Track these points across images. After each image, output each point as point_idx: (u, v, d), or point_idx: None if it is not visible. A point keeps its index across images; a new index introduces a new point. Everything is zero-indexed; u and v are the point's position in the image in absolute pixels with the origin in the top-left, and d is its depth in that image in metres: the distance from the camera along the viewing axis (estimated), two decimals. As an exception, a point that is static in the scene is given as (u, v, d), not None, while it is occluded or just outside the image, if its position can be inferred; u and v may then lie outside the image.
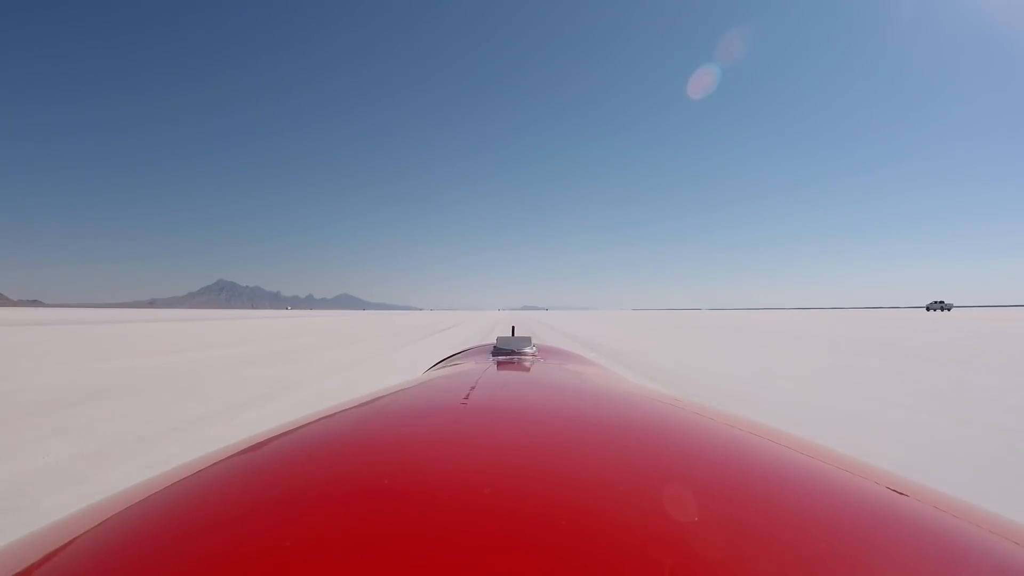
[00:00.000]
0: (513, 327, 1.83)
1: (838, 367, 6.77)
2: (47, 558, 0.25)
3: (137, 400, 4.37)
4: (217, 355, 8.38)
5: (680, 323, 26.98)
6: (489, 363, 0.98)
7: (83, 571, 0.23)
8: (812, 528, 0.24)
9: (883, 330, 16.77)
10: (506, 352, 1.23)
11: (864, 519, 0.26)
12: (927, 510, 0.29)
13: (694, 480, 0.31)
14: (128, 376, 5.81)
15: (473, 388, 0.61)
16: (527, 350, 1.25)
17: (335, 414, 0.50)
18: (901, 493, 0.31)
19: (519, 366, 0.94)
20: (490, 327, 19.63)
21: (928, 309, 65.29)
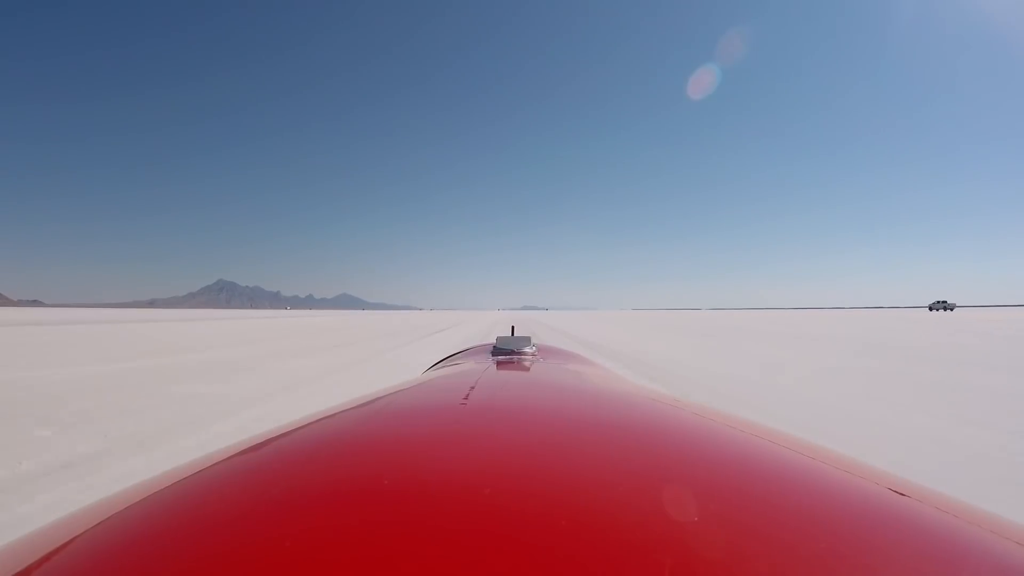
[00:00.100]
0: (513, 327, 1.83)
1: (913, 380, 5.52)
2: (47, 558, 0.25)
3: None
4: (151, 365, 6.96)
5: (688, 324, 26.60)
6: (489, 363, 0.98)
7: (83, 571, 0.23)
8: (812, 529, 0.24)
9: (907, 331, 15.82)
10: (506, 352, 1.22)
11: (864, 520, 0.26)
12: (927, 511, 0.28)
13: (694, 481, 0.31)
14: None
15: (473, 388, 0.61)
16: (527, 350, 1.24)
17: (335, 414, 0.50)
18: (901, 494, 0.31)
19: (519, 366, 0.94)
20: (489, 327, 19.36)
21: (931, 309, 64.86)
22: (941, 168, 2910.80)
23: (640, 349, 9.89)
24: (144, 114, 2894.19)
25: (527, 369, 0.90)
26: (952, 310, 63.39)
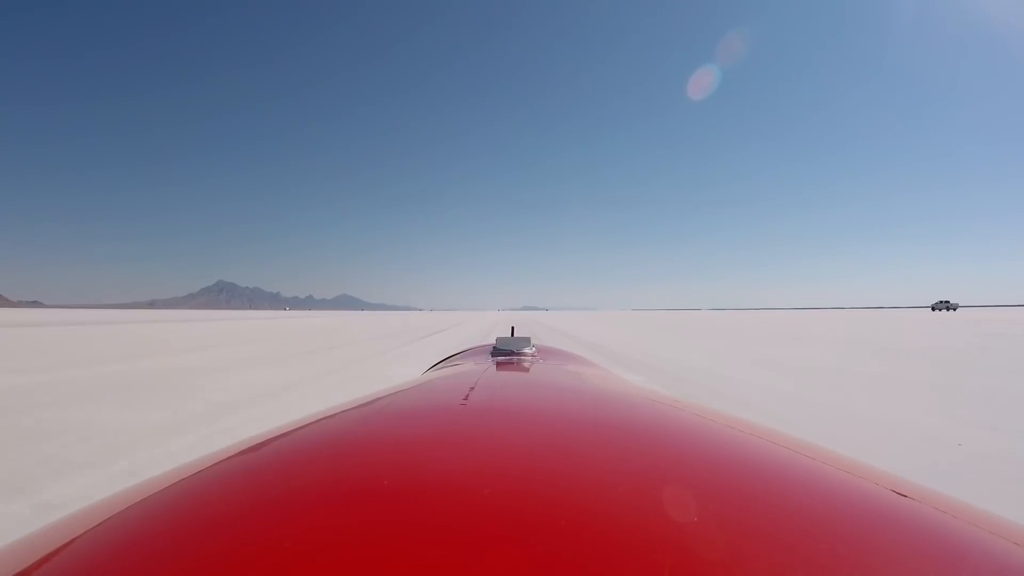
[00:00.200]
0: (512, 327, 1.83)
1: (982, 392, 4.83)
2: (47, 558, 0.25)
3: None
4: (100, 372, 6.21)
5: (690, 325, 26.13)
6: (488, 364, 0.99)
7: (83, 571, 0.23)
8: (813, 529, 0.24)
9: (935, 333, 14.74)
10: (505, 352, 1.23)
11: (865, 520, 0.26)
12: (927, 511, 0.29)
13: (694, 481, 0.31)
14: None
15: (472, 389, 0.62)
16: (526, 350, 1.24)
17: (335, 415, 0.50)
18: (901, 494, 0.31)
19: (518, 367, 0.95)
20: (489, 328, 18.86)
21: (934, 309, 64.44)
22: (942, 170, 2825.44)
23: (657, 355, 8.65)
24: (144, 114, 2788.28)
25: (527, 370, 0.90)
26: (955, 310, 63.01)
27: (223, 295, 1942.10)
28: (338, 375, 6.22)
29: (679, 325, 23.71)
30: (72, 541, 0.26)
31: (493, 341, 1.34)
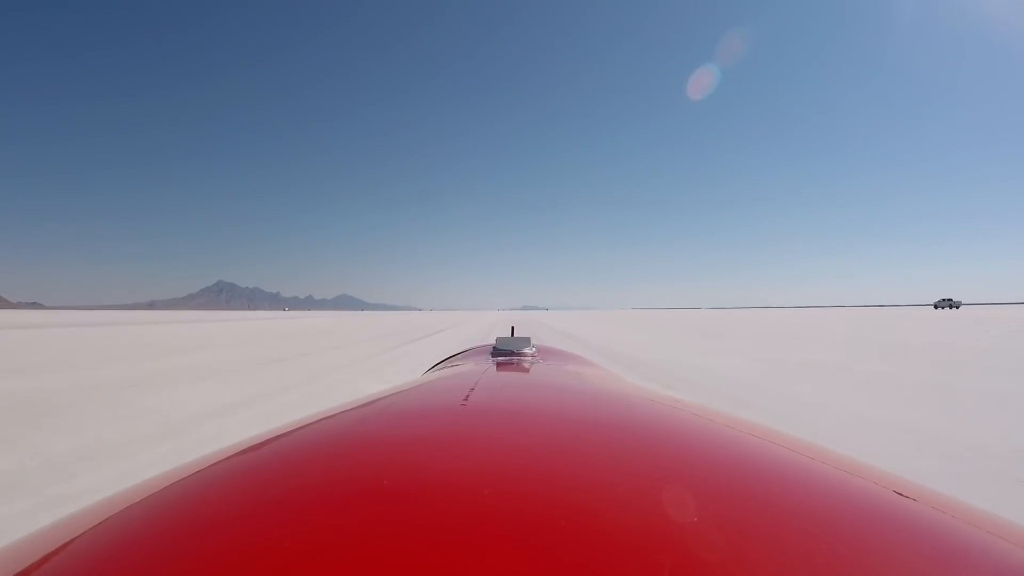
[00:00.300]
0: (512, 327, 1.84)
1: None
2: (47, 558, 0.25)
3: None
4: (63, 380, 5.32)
5: (694, 324, 25.50)
6: (488, 364, 0.98)
7: (83, 571, 0.23)
8: (813, 529, 0.24)
9: (951, 331, 13.87)
10: (505, 353, 1.22)
11: (865, 520, 0.26)
12: (928, 511, 0.28)
13: (695, 481, 0.31)
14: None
15: (473, 389, 0.61)
16: (526, 351, 1.24)
17: (335, 415, 0.50)
18: (901, 495, 0.31)
19: (519, 367, 0.95)
20: (488, 328, 18.36)
21: (936, 307, 63.97)
22: (943, 170, 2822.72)
23: (687, 363, 7.35)
24: (144, 114, 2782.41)
25: (527, 370, 0.90)
26: (958, 308, 62.52)
27: (223, 295, 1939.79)
28: (291, 393, 4.88)
29: (688, 324, 23.07)
30: (72, 541, 0.26)
31: (493, 341, 1.33)
